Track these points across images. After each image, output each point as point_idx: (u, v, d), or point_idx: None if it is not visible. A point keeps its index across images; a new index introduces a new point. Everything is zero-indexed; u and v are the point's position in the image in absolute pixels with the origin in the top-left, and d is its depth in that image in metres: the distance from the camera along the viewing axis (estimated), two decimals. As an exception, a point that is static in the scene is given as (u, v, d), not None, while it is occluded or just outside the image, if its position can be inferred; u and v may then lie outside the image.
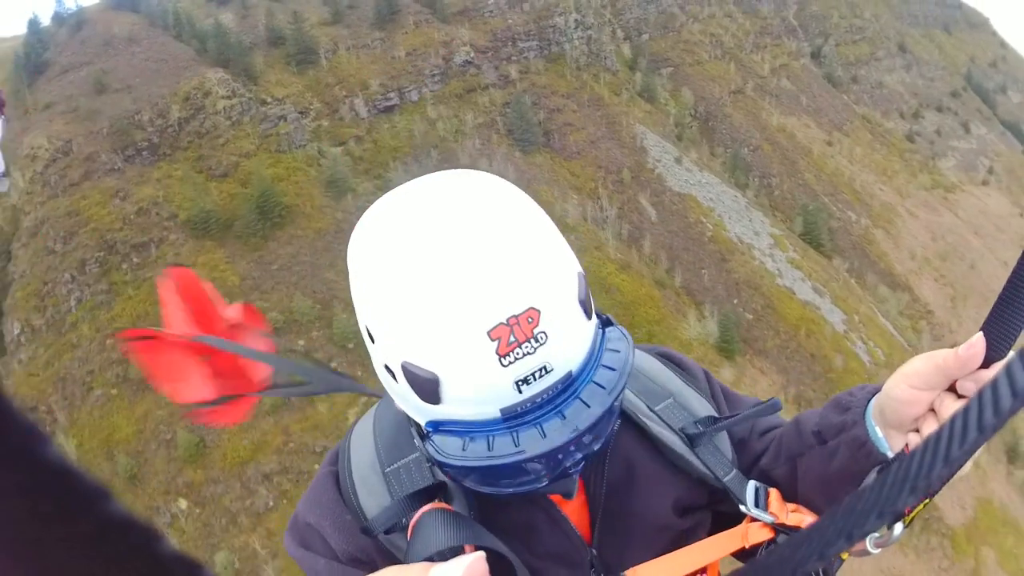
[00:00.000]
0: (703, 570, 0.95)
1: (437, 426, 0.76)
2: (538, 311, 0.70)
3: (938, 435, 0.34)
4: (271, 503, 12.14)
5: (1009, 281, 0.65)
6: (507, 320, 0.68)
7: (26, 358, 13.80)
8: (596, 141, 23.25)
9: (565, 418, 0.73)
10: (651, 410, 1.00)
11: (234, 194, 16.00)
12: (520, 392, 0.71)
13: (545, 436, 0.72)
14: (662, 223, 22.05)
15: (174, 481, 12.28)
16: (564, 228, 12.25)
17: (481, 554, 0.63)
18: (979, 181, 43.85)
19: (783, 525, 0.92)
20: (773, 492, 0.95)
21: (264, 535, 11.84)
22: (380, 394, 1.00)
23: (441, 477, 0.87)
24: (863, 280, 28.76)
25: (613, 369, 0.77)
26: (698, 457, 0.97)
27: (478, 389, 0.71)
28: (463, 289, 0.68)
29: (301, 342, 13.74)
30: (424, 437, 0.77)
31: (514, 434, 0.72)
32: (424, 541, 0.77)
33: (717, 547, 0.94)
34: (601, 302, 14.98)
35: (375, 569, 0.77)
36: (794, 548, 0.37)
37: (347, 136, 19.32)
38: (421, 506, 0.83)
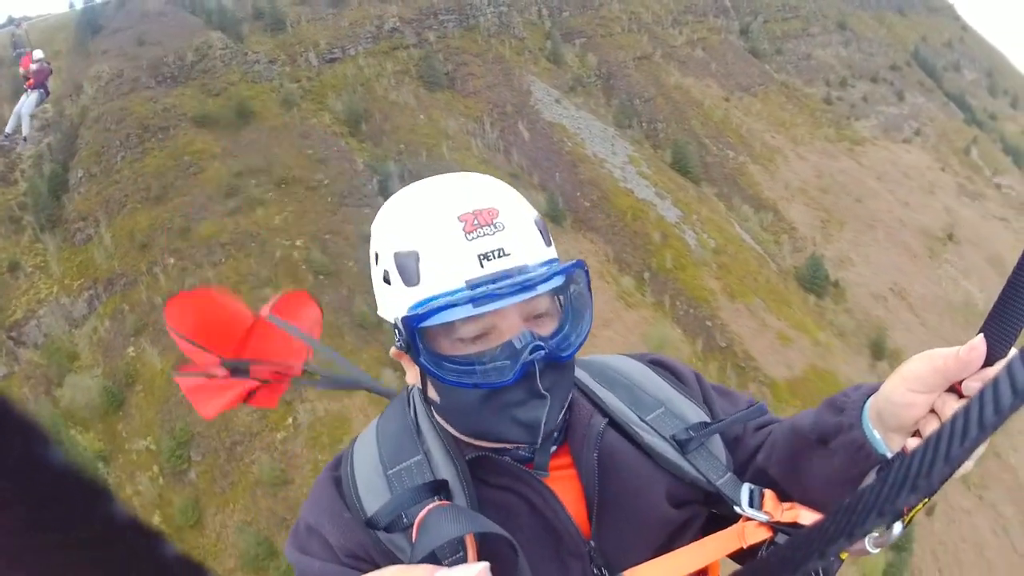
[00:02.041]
0: (703, 571, 1.03)
1: (417, 308, 0.92)
2: (498, 209, 0.94)
3: (939, 434, 0.37)
4: (222, 259, 21.80)
5: (1009, 281, 0.68)
6: (473, 210, 0.92)
7: (84, 191, 23.54)
8: (491, 86, 32.03)
9: (519, 286, 0.89)
10: (643, 420, 1.08)
11: (222, 105, 25.74)
12: (482, 266, 0.90)
13: (500, 293, 0.88)
14: (531, 142, 30.52)
15: (167, 248, 21.99)
16: (443, 136, 23.71)
17: (486, 564, 0.71)
18: (899, 140, 49.15)
19: (778, 523, 0.98)
20: (768, 493, 1.01)
21: (218, 282, 21.47)
22: (390, 392, 1.24)
23: (442, 475, 0.98)
24: (729, 203, 36.45)
25: (566, 274, 0.97)
26: (690, 463, 1.04)
27: (448, 260, 0.90)
28: (442, 194, 0.96)
29: (253, 180, 23.69)
30: (407, 326, 0.92)
31: (475, 296, 0.88)
32: (429, 536, 0.84)
33: (715, 547, 1.00)
34: (449, 172, 24.81)
35: (374, 567, 0.90)
36: (795, 547, 0.39)
37: (301, 76, 28.82)
38: (424, 501, 0.92)
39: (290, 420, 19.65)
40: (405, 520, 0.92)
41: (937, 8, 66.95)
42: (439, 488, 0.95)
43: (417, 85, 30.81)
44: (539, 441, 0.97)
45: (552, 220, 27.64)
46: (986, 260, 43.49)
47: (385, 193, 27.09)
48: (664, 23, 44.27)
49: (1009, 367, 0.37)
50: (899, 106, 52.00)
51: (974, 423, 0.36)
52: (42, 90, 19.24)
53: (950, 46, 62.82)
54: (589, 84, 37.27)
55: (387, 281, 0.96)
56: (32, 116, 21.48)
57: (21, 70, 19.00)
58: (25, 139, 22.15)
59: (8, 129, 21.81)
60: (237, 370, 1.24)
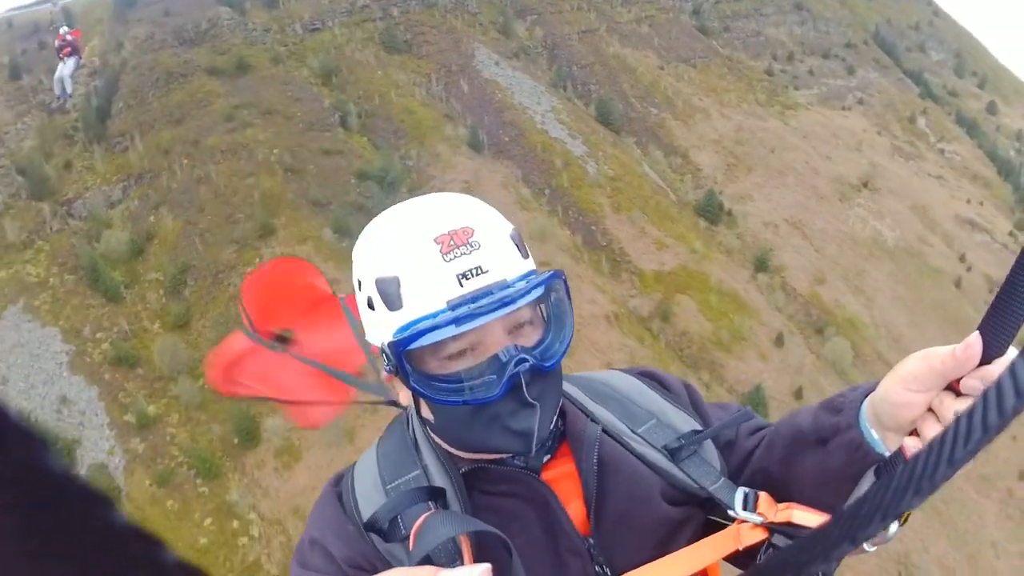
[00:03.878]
0: (703, 573, 1.11)
1: (402, 332, 1.01)
2: (473, 228, 1.02)
3: (942, 437, 0.39)
4: (221, 160, 32.64)
5: (1007, 279, 0.72)
6: (448, 231, 1.01)
7: (123, 117, 32.08)
8: (442, 51, 41.95)
9: (499, 303, 0.98)
10: (634, 432, 1.18)
11: (227, 60, 35.69)
12: (462, 286, 0.98)
13: (480, 311, 0.97)
14: (469, 93, 40.23)
15: (183, 153, 32.88)
16: (393, 86, 36.82)
17: (488, 566, 0.79)
18: (838, 107, 55.92)
19: (773, 524, 1.05)
20: (763, 495, 1.09)
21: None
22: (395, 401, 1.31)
23: (438, 482, 1.08)
24: (645, 150, 45.58)
25: (544, 285, 1.06)
26: (683, 471, 1.13)
27: (427, 282, 0.99)
28: (418, 218, 1.06)
29: (246, 111, 34.49)
30: (394, 351, 1.01)
31: (458, 316, 0.97)
32: (425, 540, 0.92)
33: (711, 550, 1.07)
34: (402, 118, 35.38)
35: None
36: (798, 551, 0.41)
37: (288, 42, 39.17)
38: (420, 508, 1.01)
39: (257, 259, 30.19)
40: (403, 531, 1.00)
41: (907, -9, 73.86)
42: (437, 494, 1.04)
43: (379, 49, 41.40)
44: (533, 450, 1.06)
45: (473, 148, 37.65)
46: (909, 208, 50.78)
47: (345, 124, 37.71)
48: (615, 2, 53.68)
49: (1012, 369, 0.39)
50: (847, 79, 58.36)
51: (977, 426, 0.38)
52: (76, 57, 24.21)
53: (917, 28, 69.00)
54: (534, 53, 47.10)
55: (371, 307, 1.06)
56: (72, 78, 28.80)
57: (56, 42, 23.91)
58: (69, 95, 28.18)
59: (57, 93, 29.62)
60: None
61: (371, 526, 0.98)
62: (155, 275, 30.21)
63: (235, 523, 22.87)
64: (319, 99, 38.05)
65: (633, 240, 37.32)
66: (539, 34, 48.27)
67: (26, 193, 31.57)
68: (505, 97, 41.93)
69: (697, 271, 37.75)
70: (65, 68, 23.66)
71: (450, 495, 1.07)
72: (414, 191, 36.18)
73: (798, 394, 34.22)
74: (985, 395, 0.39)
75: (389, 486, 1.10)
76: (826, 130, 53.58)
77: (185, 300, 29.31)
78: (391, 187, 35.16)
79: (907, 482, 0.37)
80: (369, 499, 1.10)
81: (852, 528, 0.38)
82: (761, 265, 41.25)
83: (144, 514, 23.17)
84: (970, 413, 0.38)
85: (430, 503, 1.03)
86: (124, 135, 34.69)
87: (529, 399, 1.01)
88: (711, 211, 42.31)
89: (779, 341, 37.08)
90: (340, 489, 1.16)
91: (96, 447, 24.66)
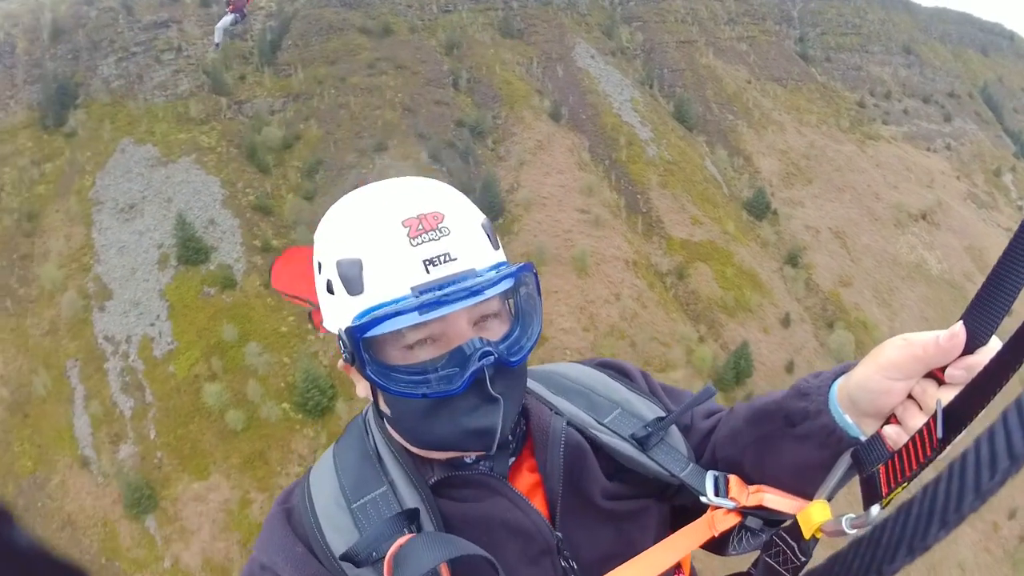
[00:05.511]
0: (678, 567, 1.12)
1: (361, 317, 0.97)
2: (443, 214, 0.99)
3: (963, 462, 0.37)
4: (358, 94, 44.80)
5: (993, 270, 0.72)
6: (417, 215, 0.97)
7: (289, 52, 42.43)
8: (547, 41, 50.92)
9: (466, 292, 0.95)
10: (600, 423, 1.18)
11: (376, 23, 46.37)
12: (428, 272, 0.95)
13: (447, 299, 0.94)
14: (562, 77, 48.89)
15: (331, 85, 45.46)
16: (499, 62, 51.20)
17: None
18: (923, 147, 54.65)
19: (745, 507, 1.06)
20: (733, 478, 1.09)
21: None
22: None
23: (410, 504, 1.05)
24: (713, 148, 53.65)
25: (514, 277, 1.04)
26: (652, 458, 1.13)
27: (392, 266, 0.95)
28: (386, 199, 1.01)
29: (383, 63, 46.59)
30: (351, 337, 0.96)
31: (422, 303, 0.94)
32: (408, 570, 0.91)
33: (687, 541, 1.08)
34: (500, 87, 47.16)
35: None
36: None
37: (425, 17, 48.55)
38: (396, 534, 0.98)
39: (371, 165, 41.85)
40: (374, 555, 0.96)
41: (1026, 56, 76.11)
42: (413, 517, 1.02)
43: (495, 32, 52.35)
44: (494, 448, 1.03)
45: (553, 118, 47.53)
46: (964, 247, 55.13)
47: (455, 85, 49.00)
48: (719, 20, 61.54)
49: None
50: (941, 125, 62.40)
51: (1003, 452, 0.36)
52: (238, 14, 26.56)
53: (1030, 93, 71.41)
54: (630, 54, 56.19)
55: (330, 291, 1.02)
56: (225, 31, 30.03)
57: None
58: (217, 45, 29.24)
59: (214, 40, 28.60)
60: None
61: (349, 558, 0.97)
62: (296, 163, 42.53)
63: (309, 325, 33.55)
64: (440, 64, 49.55)
65: (671, 212, 45.81)
66: (639, 38, 57.44)
67: (207, 88, 44.67)
68: (592, 84, 51.50)
69: (723, 248, 45.35)
70: (223, 21, 25.74)
71: (423, 514, 1.04)
72: (498, 142, 46.88)
73: (789, 368, 40.58)
74: (1006, 416, 0.37)
75: (354, 504, 1.06)
76: (901, 163, 58.61)
77: (315, 182, 41.41)
78: (479, 135, 45.96)
79: (930, 512, 0.36)
80: (332, 520, 1.06)
81: (876, 560, 0.37)
82: (791, 259, 47.69)
83: (248, 300, 35.26)
84: (991, 437, 0.37)
85: (405, 529, 1.01)
86: (289, 65, 47.72)
87: (493, 393, 1.00)
88: (758, 207, 49.71)
89: (786, 321, 43.61)
90: (290, 506, 1.13)
91: (227, 255, 36.79)
